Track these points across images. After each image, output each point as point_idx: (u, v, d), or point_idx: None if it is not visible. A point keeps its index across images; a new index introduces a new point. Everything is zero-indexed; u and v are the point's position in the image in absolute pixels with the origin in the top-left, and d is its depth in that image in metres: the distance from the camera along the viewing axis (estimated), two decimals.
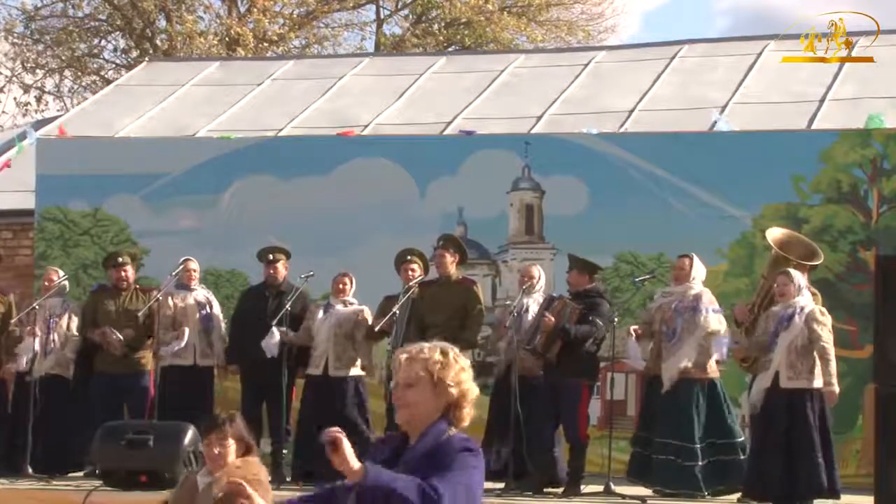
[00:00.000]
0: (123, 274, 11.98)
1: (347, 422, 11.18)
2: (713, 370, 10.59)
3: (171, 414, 10.95)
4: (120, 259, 12.06)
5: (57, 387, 11.78)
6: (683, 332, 10.48)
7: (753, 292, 11.44)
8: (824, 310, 10.20)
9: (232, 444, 6.27)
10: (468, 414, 4.42)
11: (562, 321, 10.57)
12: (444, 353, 4.40)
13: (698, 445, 10.41)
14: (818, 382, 9.98)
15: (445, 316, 11.12)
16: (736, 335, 10.75)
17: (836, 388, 10.00)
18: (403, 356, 4.42)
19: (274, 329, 11.30)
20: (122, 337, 11.65)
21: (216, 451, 6.26)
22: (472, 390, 4.42)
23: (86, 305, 12.23)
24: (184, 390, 11.55)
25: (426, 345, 4.43)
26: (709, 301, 10.64)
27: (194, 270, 11.91)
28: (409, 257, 11.42)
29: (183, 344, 11.50)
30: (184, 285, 11.89)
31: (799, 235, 11.14)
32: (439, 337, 11.06)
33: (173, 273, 11.83)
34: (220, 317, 11.91)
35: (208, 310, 11.83)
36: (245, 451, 6.33)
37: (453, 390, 4.35)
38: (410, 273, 11.33)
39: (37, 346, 11.64)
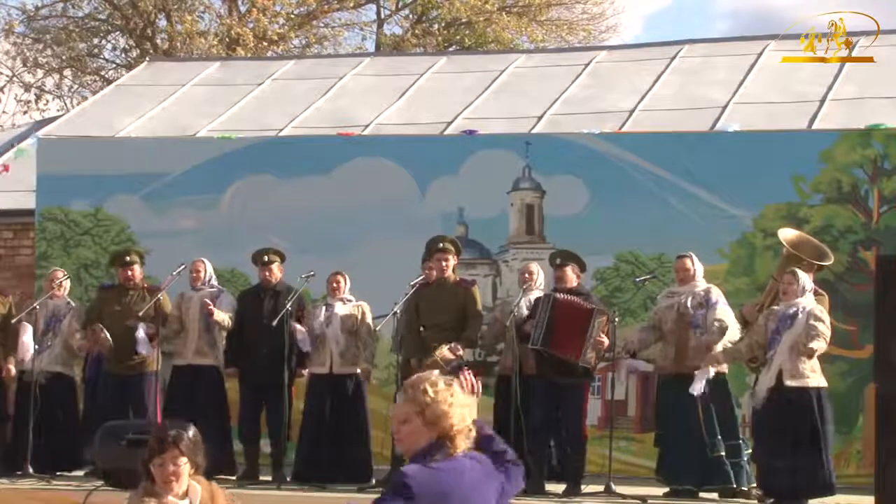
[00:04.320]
0: (130, 273, 11.99)
1: (347, 419, 11.23)
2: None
3: (181, 415, 10.95)
4: (128, 258, 12.07)
5: (60, 385, 11.83)
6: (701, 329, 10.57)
7: (756, 292, 11.46)
8: (824, 309, 10.21)
9: (186, 463, 6.03)
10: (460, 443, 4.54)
11: (611, 339, 10.65)
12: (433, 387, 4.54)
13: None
14: (820, 381, 10.00)
15: (445, 317, 11.12)
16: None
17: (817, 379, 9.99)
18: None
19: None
20: (109, 336, 11.68)
21: (171, 469, 6.02)
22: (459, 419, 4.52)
23: (91, 304, 12.29)
24: (188, 390, 11.57)
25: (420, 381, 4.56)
26: (718, 295, 10.70)
27: (199, 272, 11.89)
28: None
29: (145, 350, 11.54)
30: (191, 286, 11.91)
31: (810, 237, 11.14)
32: (439, 337, 11.17)
33: (174, 272, 11.84)
34: (229, 305, 11.85)
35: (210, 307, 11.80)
36: (195, 469, 6.10)
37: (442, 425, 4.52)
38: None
39: (31, 345, 11.67)
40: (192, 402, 11.34)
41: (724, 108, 14.96)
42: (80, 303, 12.56)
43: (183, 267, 11.89)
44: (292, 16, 28.68)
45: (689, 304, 10.64)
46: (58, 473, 11.45)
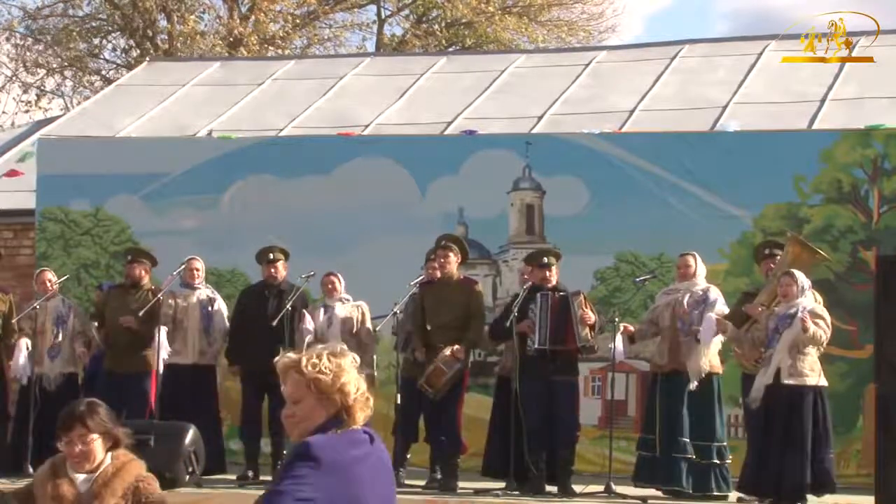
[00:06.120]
0: (134, 272, 11.99)
1: None
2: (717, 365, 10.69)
3: (174, 414, 10.96)
4: (129, 256, 12.12)
5: (63, 385, 11.86)
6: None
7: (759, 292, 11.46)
8: (824, 309, 10.22)
9: (97, 440, 5.50)
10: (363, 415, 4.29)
11: (593, 312, 10.80)
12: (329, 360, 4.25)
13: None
14: (818, 380, 10.01)
15: (449, 316, 11.11)
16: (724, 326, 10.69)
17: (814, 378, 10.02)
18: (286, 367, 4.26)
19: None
20: (97, 336, 11.70)
21: (78, 449, 5.48)
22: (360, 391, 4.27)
23: (97, 302, 12.34)
24: (186, 390, 11.56)
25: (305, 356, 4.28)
26: (717, 294, 10.71)
27: (197, 269, 11.92)
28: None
29: (165, 354, 11.51)
30: (187, 284, 11.91)
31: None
32: (442, 337, 11.15)
33: (175, 272, 11.85)
34: (224, 315, 11.89)
35: (210, 309, 11.82)
36: (113, 444, 5.59)
37: (337, 398, 4.23)
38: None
39: (28, 349, 11.69)
40: (185, 402, 11.34)
41: (724, 108, 14.96)
42: (78, 302, 12.57)
43: (183, 267, 11.90)
44: (293, 16, 28.67)
45: (685, 303, 10.65)
46: None
